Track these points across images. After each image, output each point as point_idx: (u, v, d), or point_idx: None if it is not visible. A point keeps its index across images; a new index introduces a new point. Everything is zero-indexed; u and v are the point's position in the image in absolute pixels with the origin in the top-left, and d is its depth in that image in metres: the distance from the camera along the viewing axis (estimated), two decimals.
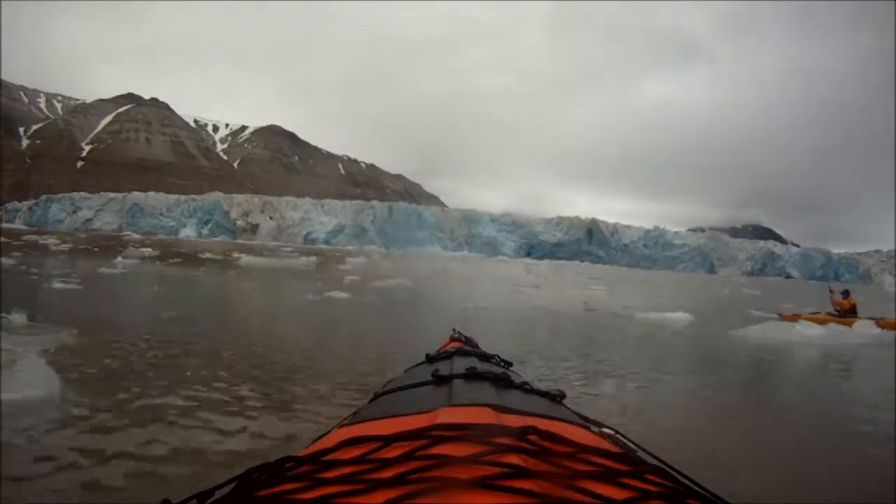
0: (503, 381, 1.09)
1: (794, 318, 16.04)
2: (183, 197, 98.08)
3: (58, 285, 11.14)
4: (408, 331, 9.06)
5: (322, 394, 4.76)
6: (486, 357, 1.59)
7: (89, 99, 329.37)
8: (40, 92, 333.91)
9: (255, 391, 4.73)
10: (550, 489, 0.58)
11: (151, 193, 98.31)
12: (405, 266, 33.31)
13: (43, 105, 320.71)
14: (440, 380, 1.14)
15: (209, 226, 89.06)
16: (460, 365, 1.32)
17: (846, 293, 15.89)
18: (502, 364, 1.60)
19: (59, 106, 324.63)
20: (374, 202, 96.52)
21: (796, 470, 3.72)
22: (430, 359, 1.54)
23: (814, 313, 16.41)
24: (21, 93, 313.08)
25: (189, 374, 5.03)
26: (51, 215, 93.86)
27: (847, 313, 15.21)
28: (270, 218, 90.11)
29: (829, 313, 15.82)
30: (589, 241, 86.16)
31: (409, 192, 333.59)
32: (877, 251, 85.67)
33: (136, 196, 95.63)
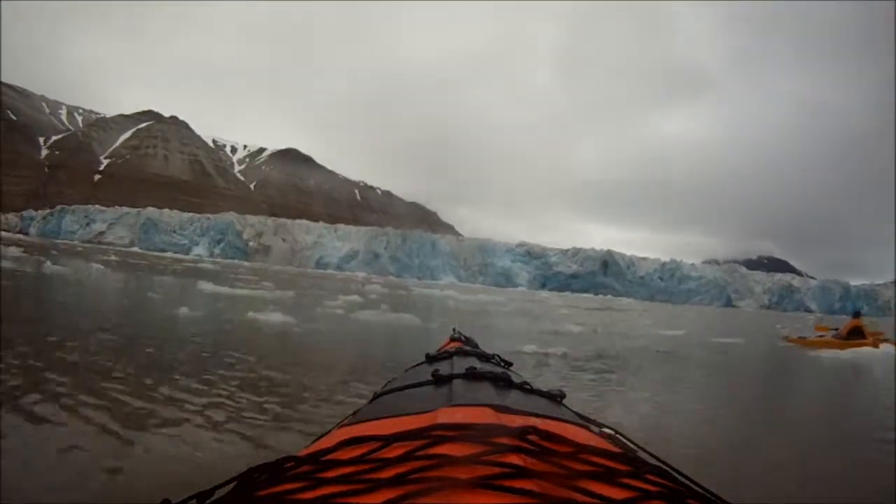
0: (503, 381, 1.09)
1: (801, 340, 17.58)
2: (197, 215, 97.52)
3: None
4: None
5: None
6: (486, 357, 1.57)
7: (110, 113, 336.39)
8: (62, 104, 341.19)
9: None
10: (550, 489, 0.58)
11: (166, 210, 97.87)
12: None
13: (64, 117, 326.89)
14: (440, 380, 1.14)
15: (221, 245, 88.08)
16: (460, 365, 1.31)
17: (857, 314, 17.19)
18: (502, 364, 1.59)
19: (79, 118, 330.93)
20: (389, 229, 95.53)
21: None
22: (430, 359, 1.52)
23: (819, 336, 17.85)
24: (43, 103, 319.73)
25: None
26: (64, 226, 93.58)
27: (851, 335, 16.23)
28: (283, 240, 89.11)
29: (832, 336, 17.02)
30: (604, 273, 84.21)
31: (424, 220, 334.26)
32: (895, 282, 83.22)
33: (151, 212, 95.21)
